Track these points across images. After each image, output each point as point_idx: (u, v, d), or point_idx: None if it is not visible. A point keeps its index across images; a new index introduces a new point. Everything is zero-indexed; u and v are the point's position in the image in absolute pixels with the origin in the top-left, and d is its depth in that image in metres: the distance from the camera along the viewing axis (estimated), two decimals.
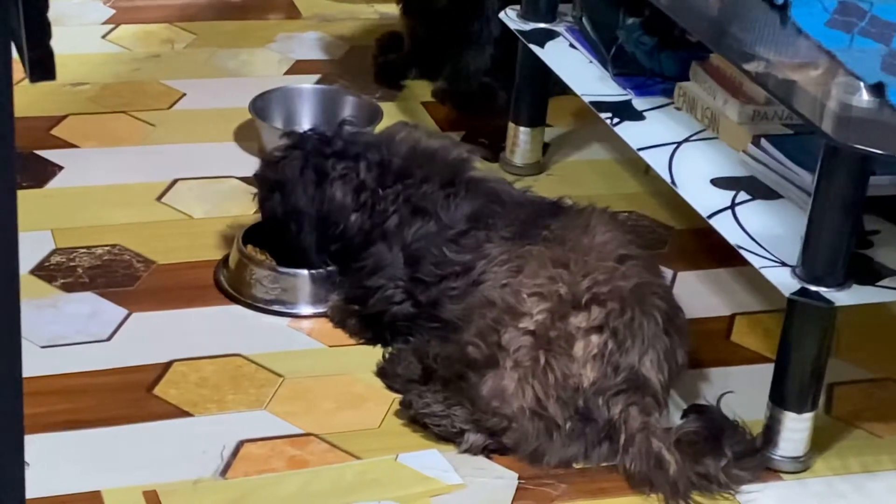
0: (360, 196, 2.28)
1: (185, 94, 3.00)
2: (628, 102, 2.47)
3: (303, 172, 2.30)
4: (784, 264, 2.00)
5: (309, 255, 2.32)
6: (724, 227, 2.11)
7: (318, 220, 2.30)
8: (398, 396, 2.12)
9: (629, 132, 2.38)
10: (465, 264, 2.17)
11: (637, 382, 2.01)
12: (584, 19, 2.65)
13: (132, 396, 2.11)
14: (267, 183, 2.35)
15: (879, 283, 2.00)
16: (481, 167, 2.40)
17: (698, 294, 2.45)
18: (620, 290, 2.03)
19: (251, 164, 2.53)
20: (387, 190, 2.28)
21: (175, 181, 2.68)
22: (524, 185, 2.38)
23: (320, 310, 2.32)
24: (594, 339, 2.01)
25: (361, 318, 2.27)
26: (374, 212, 2.28)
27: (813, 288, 1.95)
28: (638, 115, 2.43)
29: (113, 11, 3.35)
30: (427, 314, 2.20)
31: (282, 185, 2.32)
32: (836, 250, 1.94)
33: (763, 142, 2.25)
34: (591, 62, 2.59)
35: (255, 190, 2.41)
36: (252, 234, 2.40)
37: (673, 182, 2.23)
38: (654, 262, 2.22)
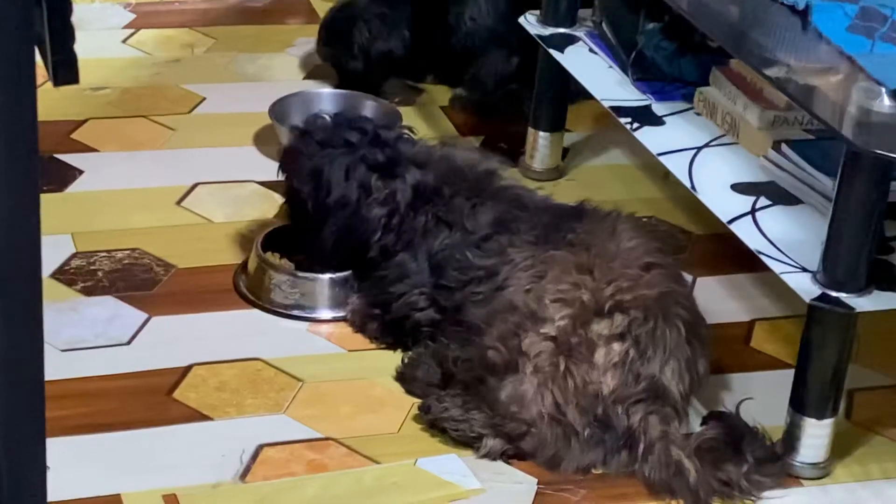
0: (392, 219, 2.28)
1: (204, 99, 3.00)
2: (648, 107, 2.46)
3: (348, 177, 2.28)
4: (805, 270, 2.00)
5: (321, 255, 2.31)
6: (745, 232, 2.11)
7: (343, 229, 2.29)
8: (417, 401, 2.12)
9: (649, 137, 2.37)
10: (489, 269, 2.16)
11: (657, 392, 2.00)
12: (603, 24, 2.64)
13: (152, 400, 2.11)
14: (304, 163, 2.31)
15: None
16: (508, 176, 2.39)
17: (718, 299, 2.44)
18: (644, 299, 2.02)
19: (271, 169, 2.52)
20: (418, 212, 2.27)
21: (195, 185, 2.68)
22: (545, 194, 2.37)
23: (339, 314, 2.32)
24: (616, 346, 2.00)
25: (383, 322, 2.27)
26: (401, 231, 2.27)
27: (834, 294, 1.94)
28: (658, 120, 2.42)
29: (133, 16, 3.36)
30: (451, 319, 2.19)
31: (319, 177, 2.29)
32: (857, 256, 1.93)
33: (783, 147, 2.24)
34: (610, 67, 2.59)
35: (274, 195, 2.39)
36: (271, 238, 2.40)
37: (693, 187, 2.23)
38: (678, 271, 2.21)
